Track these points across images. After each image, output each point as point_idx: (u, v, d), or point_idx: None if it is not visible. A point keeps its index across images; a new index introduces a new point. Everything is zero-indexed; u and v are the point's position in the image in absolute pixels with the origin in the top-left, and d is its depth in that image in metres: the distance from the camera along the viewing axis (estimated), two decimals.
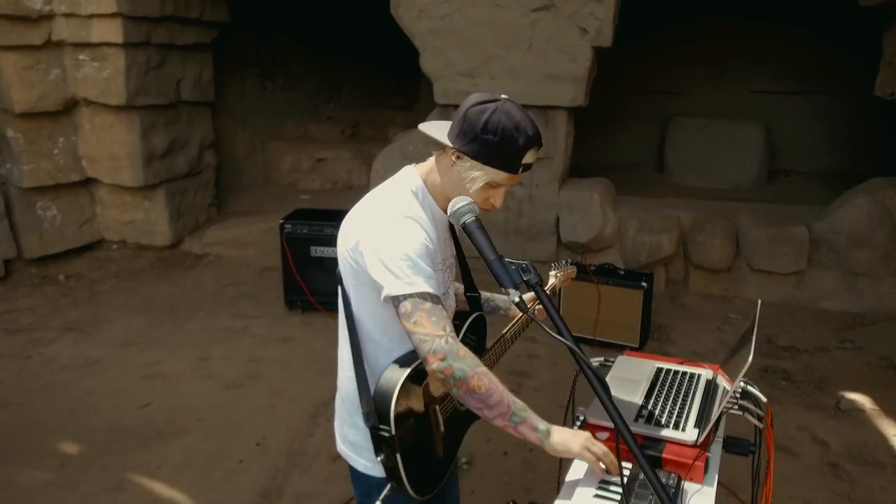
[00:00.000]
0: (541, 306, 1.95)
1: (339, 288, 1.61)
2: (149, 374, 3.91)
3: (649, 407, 1.67)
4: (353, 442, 1.65)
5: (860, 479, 2.97)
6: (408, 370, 1.51)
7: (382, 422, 1.48)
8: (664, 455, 1.50)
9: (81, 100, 5.40)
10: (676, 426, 1.58)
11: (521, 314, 1.94)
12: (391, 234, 1.47)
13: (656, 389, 1.77)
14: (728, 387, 1.73)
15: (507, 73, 4.76)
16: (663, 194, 5.64)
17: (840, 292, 4.68)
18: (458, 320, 1.74)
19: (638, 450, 1.18)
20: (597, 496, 1.40)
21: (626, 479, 1.36)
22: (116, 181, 5.62)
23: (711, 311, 4.67)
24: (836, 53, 6.44)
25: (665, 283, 4.99)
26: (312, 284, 4.51)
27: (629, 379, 1.82)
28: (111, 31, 5.05)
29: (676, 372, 1.87)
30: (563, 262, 2.30)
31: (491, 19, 4.69)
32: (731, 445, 1.68)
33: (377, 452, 1.50)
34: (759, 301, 1.91)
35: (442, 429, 1.61)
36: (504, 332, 1.88)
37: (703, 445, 1.54)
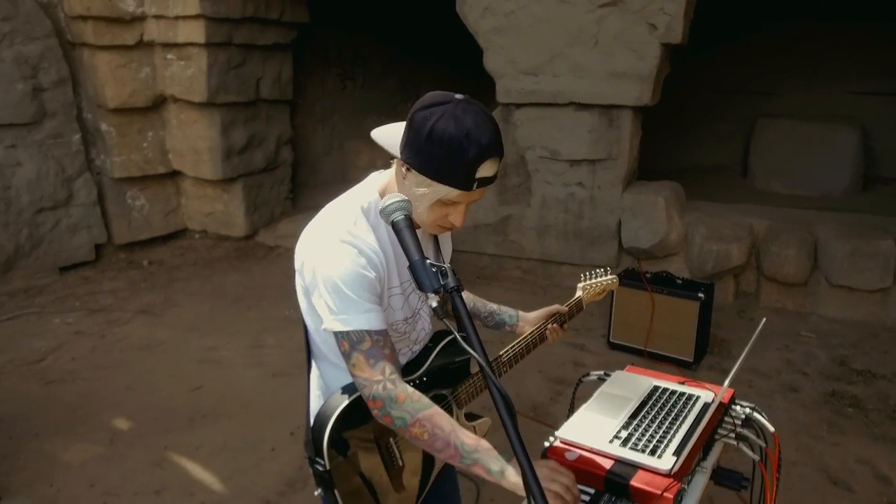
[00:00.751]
0: (554, 325, 1.88)
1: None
2: (204, 358, 4.11)
3: (630, 428, 1.55)
4: None
5: None
6: (349, 399, 1.39)
7: (318, 454, 1.36)
8: (632, 483, 1.39)
9: (169, 97, 5.75)
10: (654, 451, 1.46)
11: (528, 331, 1.83)
12: (327, 261, 1.33)
13: (645, 409, 1.65)
14: (710, 400, 1.58)
15: (570, 70, 4.63)
16: (742, 200, 5.29)
17: None
18: (433, 342, 1.63)
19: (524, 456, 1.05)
20: None
21: None
22: (198, 174, 5.95)
23: (782, 328, 4.33)
24: None
25: (734, 295, 4.68)
26: None
27: (619, 396, 1.71)
28: (195, 32, 5.34)
29: (673, 392, 1.74)
30: (600, 271, 2.12)
31: (556, 16, 4.57)
32: (721, 477, 1.53)
33: (317, 486, 1.40)
34: (764, 319, 1.74)
35: (401, 463, 1.48)
36: (501, 353, 1.72)
37: (679, 475, 1.42)
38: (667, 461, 1.43)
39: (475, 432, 1.75)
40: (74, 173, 5.47)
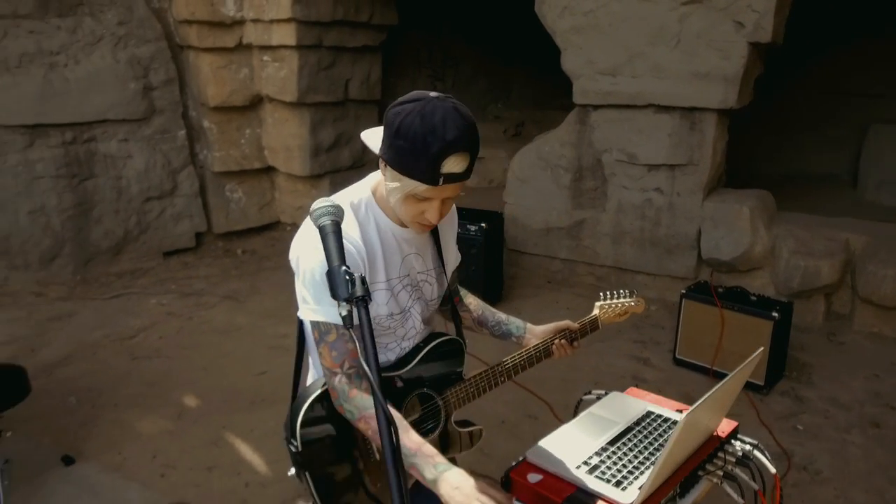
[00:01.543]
0: (562, 341, 1.84)
1: None
2: (274, 344, 4.33)
3: (603, 455, 1.49)
4: None
5: None
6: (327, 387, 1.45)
7: (292, 435, 1.43)
8: None
9: (265, 96, 6.09)
10: (619, 483, 1.40)
11: (533, 344, 1.80)
12: (307, 253, 1.40)
13: (628, 436, 1.57)
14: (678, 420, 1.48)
15: (650, 71, 4.43)
16: (846, 213, 4.83)
17: None
18: (425, 343, 1.64)
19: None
20: None
21: None
22: (289, 170, 6.26)
23: (875, 355, 3.93)
24: None
25: (824, 316, 4.30)
26: None
27: (605, 419, 1.64)
28: (287, 35, 5.62)
29: (666, 419, 1.65)
30: (624, 292, 2.04)
31: (637, 14, 4.39)
32: None
33: (292, 465, 1.48)
34: (760, 349, 1.60)
35: (377, 456, 1.51)
36: (497, 364, 1.71)
37: None
38: (629, 495, 1.36)
39: (470, 439, 1.75)
40: (179, 166, 5.93)
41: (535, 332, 1.86)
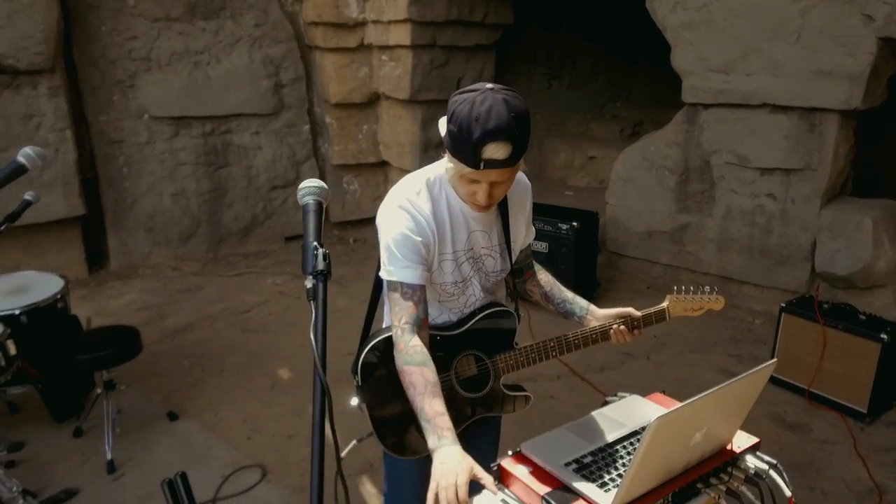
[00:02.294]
0: (622, 327, 1.83)
1: None
2: None
3: (597, 456, 1.48)
4: None
5: None
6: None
7: (354, 370, 1.64)
8: None
9: (381, 94, 6.38)
10: (604, 485, 1.39)
11: (593, 325, 1.82)
12: (386, 222, 1.58)
13: (630, 440, 1.55)
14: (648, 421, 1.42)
15: (766, 68, 4.15)
16: None
17: None
18: (481, 310, 1.74)
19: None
20: None
21: None
22: (401, 165, 6.52)
23: None
24: None
25: None
26: None
27: (613, 420, 1.62)
28: (402, 35, 5.86)
29: None
30: (707, 289, 1.98)
31: (754, 8, 4.12)
32: None
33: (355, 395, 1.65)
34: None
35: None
36: (551, 338, 1.76)
37: None
38: (610, 497, 1.35)
39: (513, 404, 1.80)
40: (302, 158, 6.39)
41: (597, 315, 1.87)
